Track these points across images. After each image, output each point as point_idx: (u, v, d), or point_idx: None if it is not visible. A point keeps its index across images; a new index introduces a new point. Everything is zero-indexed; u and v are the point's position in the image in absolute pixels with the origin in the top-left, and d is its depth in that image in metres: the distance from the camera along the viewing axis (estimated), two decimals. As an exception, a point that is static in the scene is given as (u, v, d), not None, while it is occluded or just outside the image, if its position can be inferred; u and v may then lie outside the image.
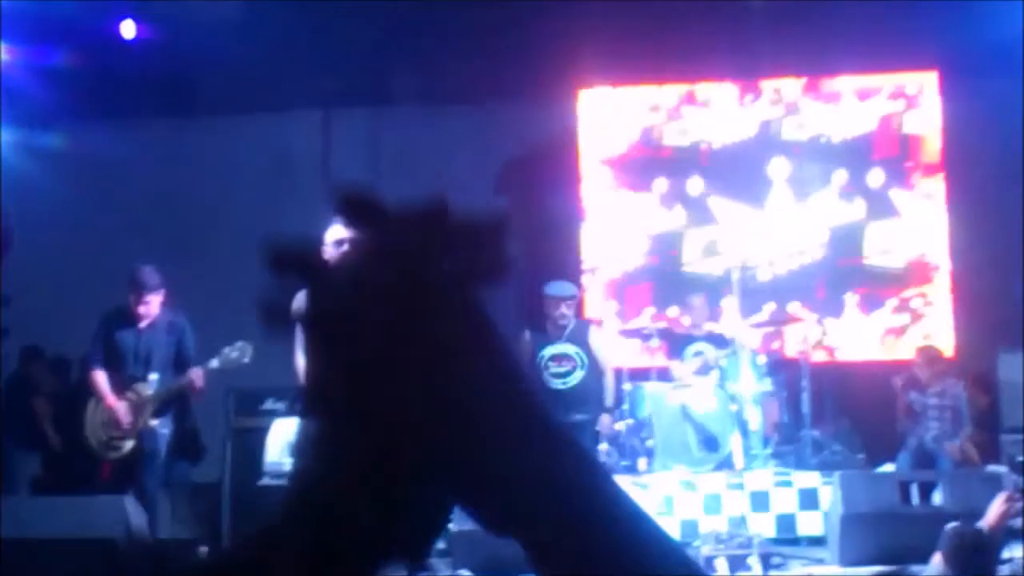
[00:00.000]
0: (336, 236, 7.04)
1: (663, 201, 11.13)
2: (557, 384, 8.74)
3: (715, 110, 11.17)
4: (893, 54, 10.68)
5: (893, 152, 11.03)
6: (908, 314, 10.85)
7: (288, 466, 6.65)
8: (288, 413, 7.68)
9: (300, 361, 6.96)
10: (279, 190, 10.81)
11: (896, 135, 11.04)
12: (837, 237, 10.93)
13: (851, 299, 10.90)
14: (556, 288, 9.07)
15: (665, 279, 11.03)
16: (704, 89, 11.23)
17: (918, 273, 10.88)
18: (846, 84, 11.14)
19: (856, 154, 11.03)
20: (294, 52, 9.93)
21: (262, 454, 7.22)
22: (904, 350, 10.51)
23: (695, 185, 11.08)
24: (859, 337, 10.85)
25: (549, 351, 8.82)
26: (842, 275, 10.92)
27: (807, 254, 10.96)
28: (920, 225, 10.92)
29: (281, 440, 6.81)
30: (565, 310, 8.94)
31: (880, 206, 10.91)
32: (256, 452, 7.46)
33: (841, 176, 11.00)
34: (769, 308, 10.56)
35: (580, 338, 8.90)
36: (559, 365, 8.81)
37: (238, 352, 7.49)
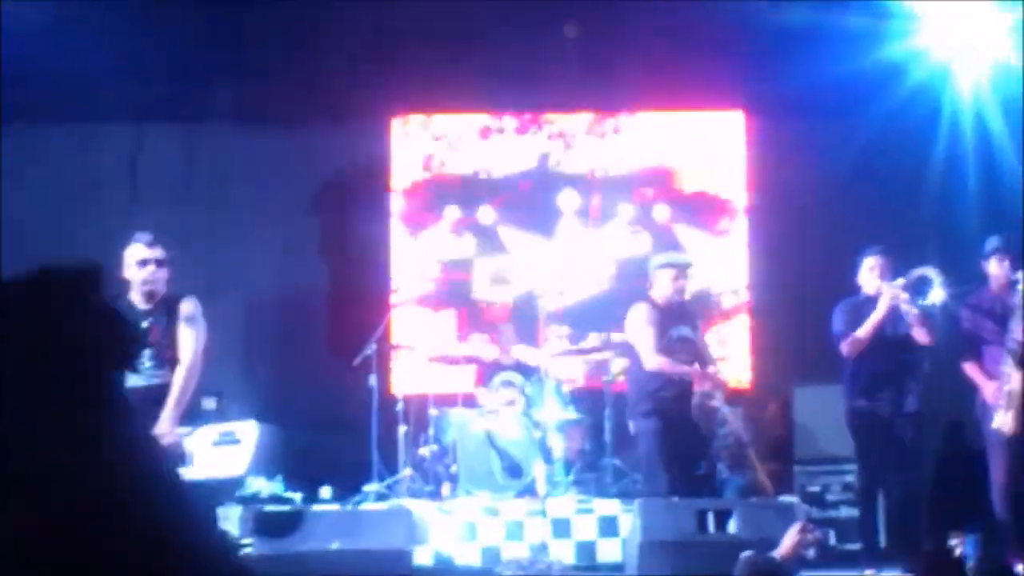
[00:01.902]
0: (139, 256, 6.87)
1: (454, 229, 11.14)
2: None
3: (512, 141, 11.24)
4: (699, 92, 10.96)
5: (685, 188, 11.26)
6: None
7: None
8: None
9: None
10: (86, 205, 10.51)
11: (691, 172, 11.28)
12: (625, 269, 11.10)
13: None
14: (671, 257, 8.49)
15: (461, 307, 11.05)
16: (504, 120, 11.29)
17: (711, 308, 11.13)
18: (645, 119, 11.33)
19: (646, 189, 11.21)
20: (106, 63, 9.67)
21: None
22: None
23: (486, 214, 11.13)
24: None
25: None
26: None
27: (598, 285, 11.10)
28: (713, 261, 11.17)
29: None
30: (684, 282, 8.24)
31: (667, 241, 11.12)
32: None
33: (628, 210, 11.17)
34: (572, 337, 10.68)
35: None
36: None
37: None
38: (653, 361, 7.92)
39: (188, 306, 6.82)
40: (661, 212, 11.19)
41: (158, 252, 6.85)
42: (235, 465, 6.68)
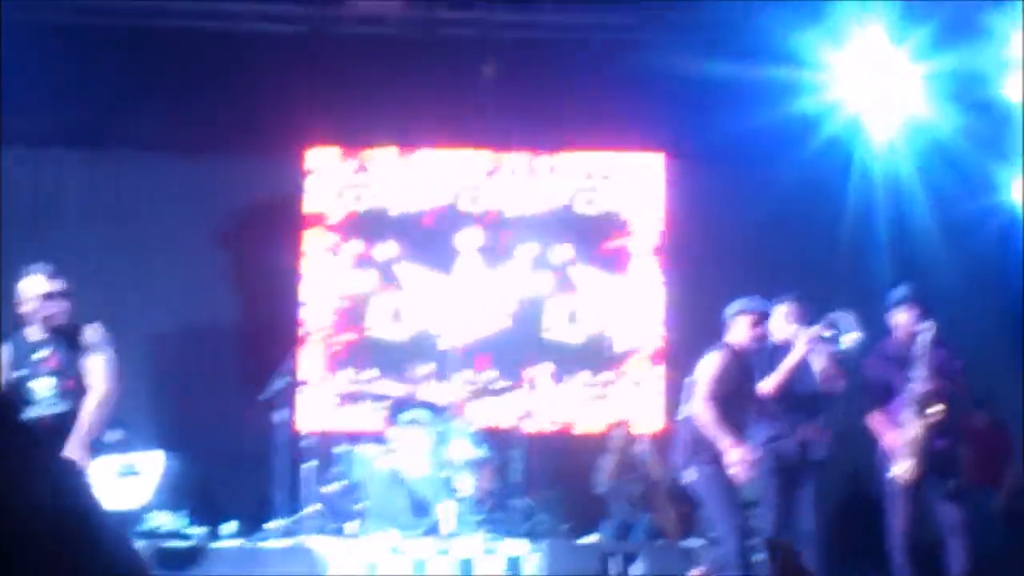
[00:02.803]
0: (40, 289, 6.70)
1: (356, 264, 11.08)
2: None
3: (415, 175, 11.19)
4: (621, 134, 11.02)
5: (595, 230, 11.29)
6: (610, 387, 11.11)
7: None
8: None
9: None
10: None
11: (603, 213, 11.32)
12: (526, 309, 11.10)
13: (548, 370, 11.07)
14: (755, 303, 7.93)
15: (359, 342, 10.95)
16: (413, 154, 11.24)
17: (629, 351, 11.16)
18: (554, 160, 11.34)
19: (549, 229, 11.24)
20: (11, 86, 9.51)
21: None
22: (606, 422, 10.77)
23: (385, 250, 11.07)
24: (567, 408, 11.04)
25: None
26: (544, 346, 11.09)
27: (497, 324, 11.07)
28: (621, 303, 11.20)
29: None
30: (762, 330, 7.79)
31: (566, 283, 11.15)
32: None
33: (531, 250, 11.17)
34: (477, 376, 10.66)
35: None
36: None
37: None
38: (704, 409, 7.33)
39: (92, 333, 6.66)
40: (561, 253, 11.19)
41: (59, 285, 6.70)
42: (138, 497, 6.58)
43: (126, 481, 6.56)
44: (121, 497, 6.53)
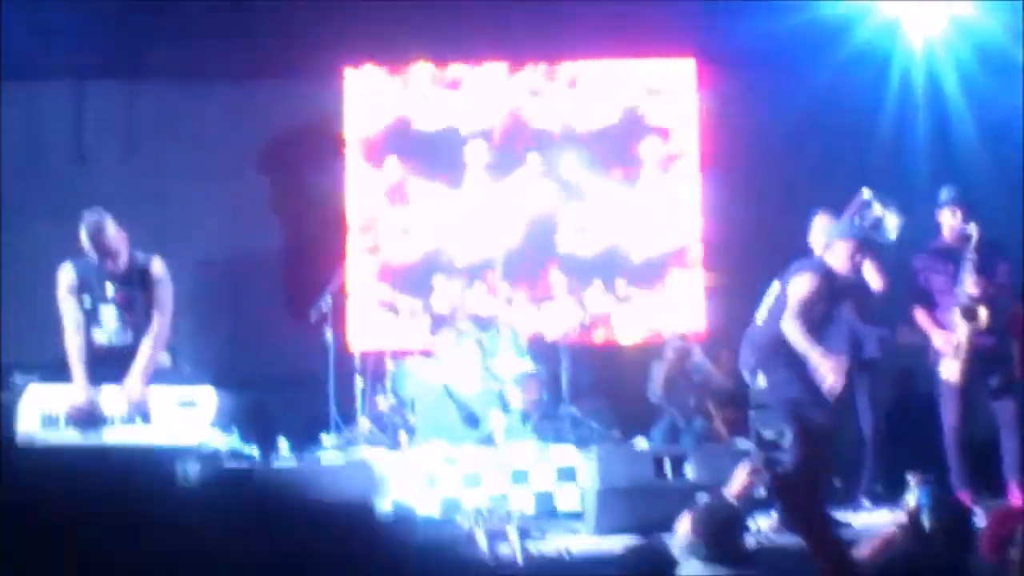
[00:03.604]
0: (96, 235, 6.80)
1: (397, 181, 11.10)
2: None
3: (427, 93, 11.18)
4: (648, 41, 10.95)
5: (630, 140, 11.26)
6: (660, 296, 11.16)
7: (40, 437, 6.46)
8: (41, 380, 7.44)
9: (71, 338, 6.74)
10: (29, 164, 10.41)
11: (636, 123, 11.28)
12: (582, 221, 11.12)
13: (620, 282, 11.11)
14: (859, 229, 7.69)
15: (424, 261, 11.01)
16: (421, 71, 11.22)
17: (667, 258, 11.19)
18: (581, 69, 11.29)
19: (575, 141, 11.21)
20: (45, 19, 9.55)
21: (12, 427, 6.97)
22: (657, 331, 10.85)
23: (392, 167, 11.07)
24: (615, 318, 11.11)
25: None
26: (597, 258, 11.12)
27: (552, 238, 11.09)
28: (667, 211, 11.21)
29: (34, 410, 6.60)
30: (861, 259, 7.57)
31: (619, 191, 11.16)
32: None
33: (553, 161, 11.16)
34: (536, 288, 10.74)
35: None
36: None
37: None
38: (792, 327, 7.25)
39: (158, 267, 6.87)
40: (582, 163, 11.17)
41: (112, 232, 6.82)
42: (193, 431, 6.74)
43: (183, 413, 6.71)
44: (178, 430, 6.68)
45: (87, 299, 6.76)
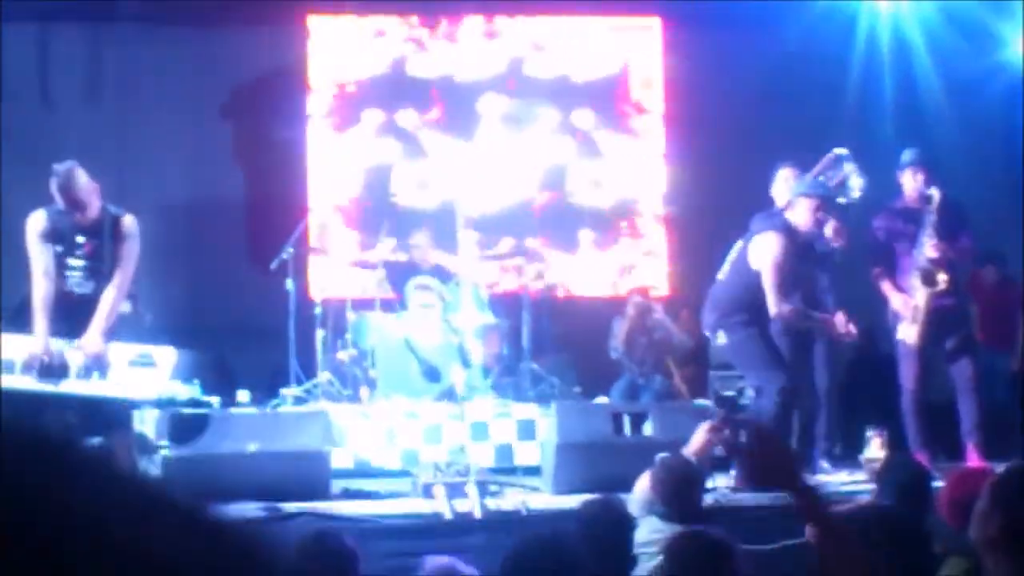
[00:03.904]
0: (66, 186, 6.74)
1: (377, 133, 11.05)
2: None
3: (434, 42, 11.14)
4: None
5: (609, 94, 11.25)
6: (622, 253, 11.17)
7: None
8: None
9: (38, 284, 6.70)
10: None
11: (615, 79, 11.26)
12: (546, 175, 11.11)
13: (575, 235, 11.13)
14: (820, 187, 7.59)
15: (379, 212, 10.97)
16: (427, 21, 11.18)
17: (629, 214, 11.20)
18: (566, 23, 11.26)
19: (570, 94, 11.19)
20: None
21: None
22: (619, 287, 10.87)
23: (407, 118, 11.05)
24: (576, 273, 11.12)
25: None
26: (556, 212, 11.12)
27: (517, 191, 11.10)
28: (631, 167, 11.21)
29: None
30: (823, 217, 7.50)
31: (588, 147, 11.15)
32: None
33: (553, 115, 11.15)
34: (492, 242, 10.73)
35: None
36: None
37: None
38: (780, 308, 7.18)
39: (129, 222, 6.84)
40: (583, 118, 11.17)
41: (83, 182, 6.77)
42: (149, 388, 6.73)
43: (139, 371, 6.69)
44: (133, 385, 6.68)
45: (57, 247, 6.72)
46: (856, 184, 7.85)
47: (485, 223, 10.75)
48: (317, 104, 10.99)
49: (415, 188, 11.05)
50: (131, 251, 6.85)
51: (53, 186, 6.76)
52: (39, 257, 6.73)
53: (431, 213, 10.75)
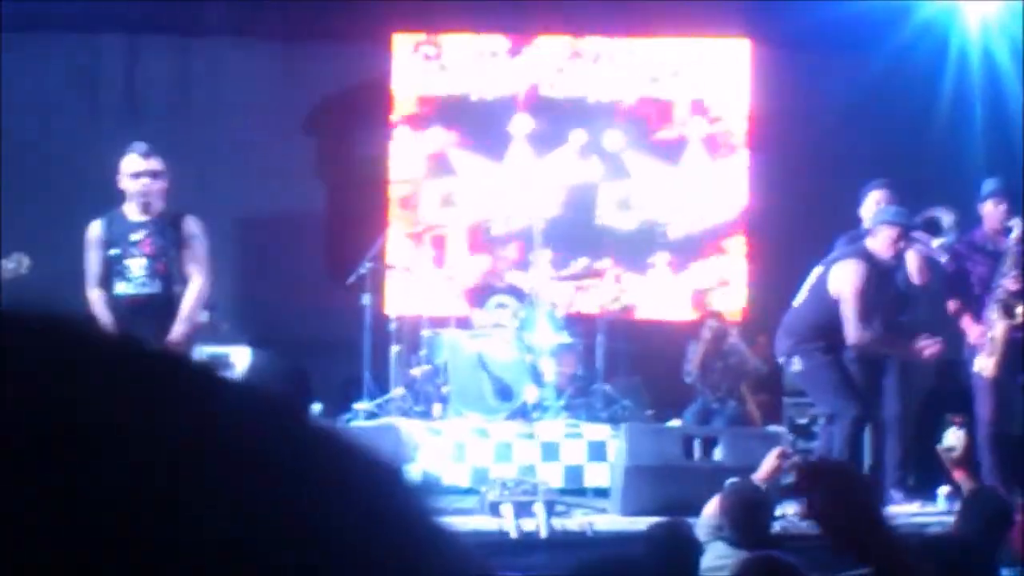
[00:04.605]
0: (135, 167, 6.82)
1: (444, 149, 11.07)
2: None
3: (475, 62, 11.13)
4: (703, 19, 10.87)
5: (696, 114, 11.19)
6: (699, 276, 11.11)
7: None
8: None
9: (92, 292, 6.76)
10: (83, 116, 10.46)
11: (686, 101, 11.20)
12: (623, 197, 11.06)
13: (651, 258, 11.08)
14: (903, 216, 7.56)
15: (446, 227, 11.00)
16: (469, 40, 11.18)
17: (708, 237, 11.14)
18: (616, 45, 11.22)
19: (618, 115, 11.14)
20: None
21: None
22: (695, 311, 10.81)
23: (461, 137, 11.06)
24: (652, 295, 11.06)
25: None
26: (633, 234, 11.07)
27: (592, 211, 11.06)
28: (711, 189, 11.15)
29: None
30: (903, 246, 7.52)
31: (666, 168, 11.11)
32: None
33: (631, 135, 11.10)
34: (567, 262, 10.72)
35: None
36: None
37: (15, 263, 7.24)
38: (860, 335, 7.20)
39: (193, 223, 6.83)
40: (620, 139, 11.10)
41: (154, 163, 6.81)
42: None
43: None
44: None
45: (114, 251, 6.72)
46: (947, 222, 7.78)
47: (561, 243, 10.74)
48: (398, 120, 11.04)
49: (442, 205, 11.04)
50: (201, 251, 6.78)
51: (126, 162, 6.77)
52: (92, 265, 6.75)
53: (518, 234, 10.72)
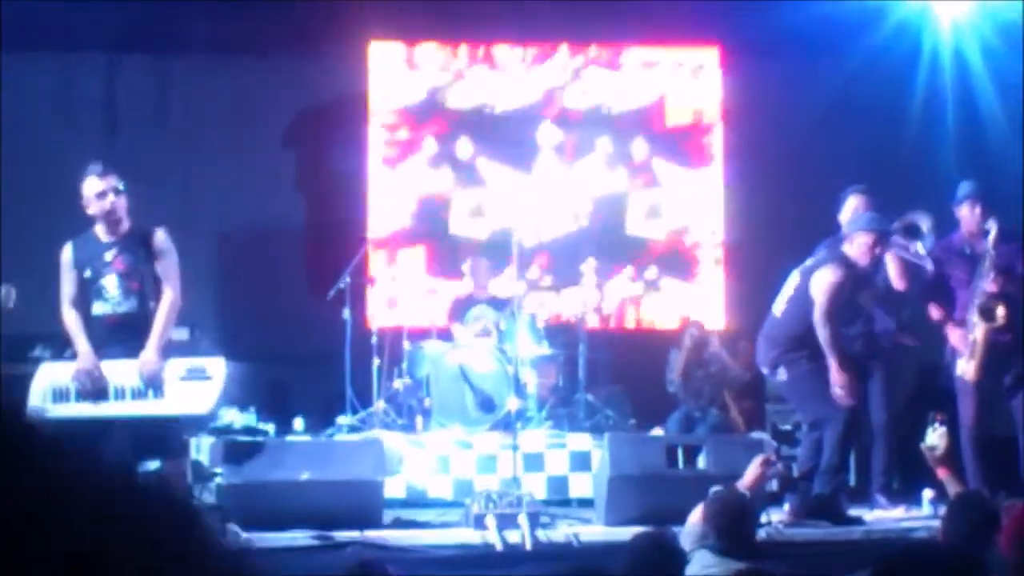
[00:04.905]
0: (95, 188, 6.77)
1: (431, 163, 11.07)
2: None
3: (491, 73, 11.14)
4: (676, 26, 10.88)
5: (664, 125, 11.20)
6: (679, 283, 11.11)
7: (51, 411, 6.44)
8: (54, 358, 7.41)
9: (67, 313, 6.72)
10: (61, 134, 10.41)
11: (672, 109, 11.21)
12: (601, 206, 11.08)
13: (629, 266, 11.08)
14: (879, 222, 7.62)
15: (436, 242, 11.00)
16: (484, 50, 11.18)
17: (686, 244, 11.14)
18: (627, 55, 11.24)
19: (627, 125, 11.15)
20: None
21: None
22: (670, 320, 10.81)
23: (464, 147, 11.06)
24: (632, 304, 11.06)
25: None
26: (609, 243, 11.07)
27: (574, 221, 11.07)
28: (688, 199, 11.16)
29: (45, 385, 6.55)
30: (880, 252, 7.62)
31: (646, 178, 11.12)
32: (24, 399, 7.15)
33: (606, 145, 11.12)
34: (547, 272, 10.72)
35: None
36: None
37: (2, 294, 7.20)
38: (823, 327, 7.26)
39: (161, 237, 6.77)
40: (640, 148, 11.14)
41: (112, 180, 6.76)
42: (203, 402, 6.64)
43: (191, 385, 6.61)
44: (186, 400, 6.60)
45: (87, 270, 6.70)
46: (924, 226, 7.81)
47: (540, 252, 10.75)
48: (377, 132, 11.02)
49: (468, 217, 11.04)
50: (171, 265, 6.74)
51: (87, 185, 6.74)
52: (65, 286, 6.73)
53: (482, 243, 10.75)
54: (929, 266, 7.87)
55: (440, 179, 11.04)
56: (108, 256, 6.70)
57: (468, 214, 11.03)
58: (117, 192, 6.73)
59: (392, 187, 10.99)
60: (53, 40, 10.32)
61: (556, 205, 11.07)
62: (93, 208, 6.75)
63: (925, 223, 7.86)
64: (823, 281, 7.31)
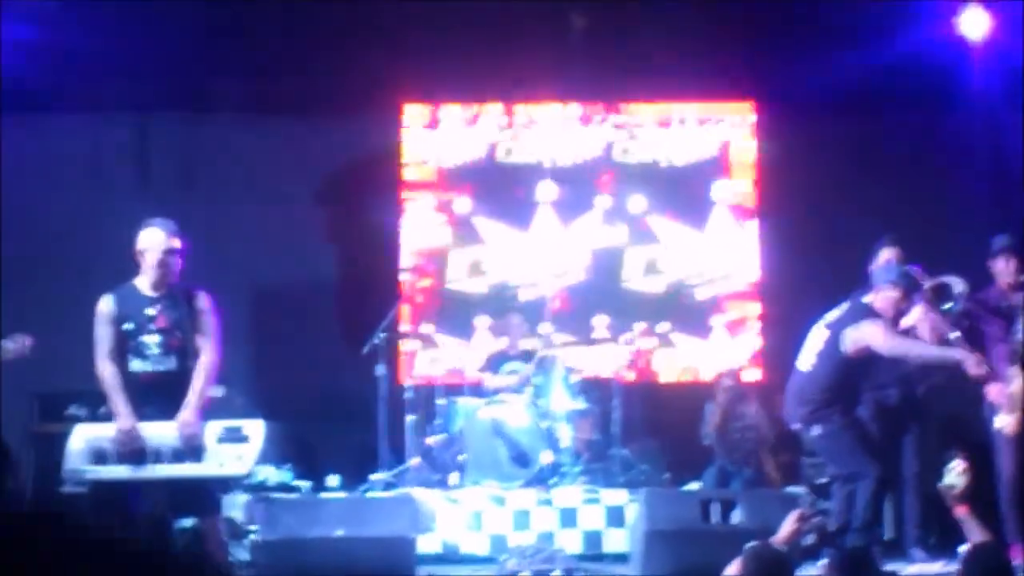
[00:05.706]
0: (161, 244, 6.73)
1: (452, 219, 11.14)
2: None
3: (491, 130, 11.21)
4: (708, 82, 10.93)
5: (701, 177, 11.23)
6: (715, 338, 11.10)
7: (89, 472, 6.43)
8: (91, 418, 7.44)
9: (104, 368, 6.68)
10: (94, 194, 10.54)
11: (707, 162, 11.25)
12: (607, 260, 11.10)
13: (665, 321, 11.07)
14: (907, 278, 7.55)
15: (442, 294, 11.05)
16: (490, 108, 11.26)
17: (721, 299, 11.14)
18: (644, 111, 11.29)
19: (660, 179, 11.19)
20: (110, 51, 9.67)
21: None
22: (710, 372, 10.78)
23: (462, 204, 11.13)
24: (668, 358, 11.05)
25: None
26: (645, 298, 11.08)
27: (604, 276, 11.09)
28: (724, 252, 11.16)
29: (81, 446, 6.53)
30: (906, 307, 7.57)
31: (642, 231, 11.15)
32: (60, 458, 7.14)
33: (641, 201, 11.15)
34: (582, 328, 10.73)
35: None
36: None
37: (16, 344, 7.21)
38: (897, 342, 7.28)
39: (202, 298, 6.75)
40: (637, 203, 11.15)
41: (178, 242, 6.74)
42: (241, 464, 6.58)
43: (231, 447, 6.56)
44: (225, 463, 6.54)
45: (128, 325, 6.64)
46: (957, 289, 7.75)
47: (575, 308, 10.76)
48: (409, 189, 11.12)
49: (472, 273, 11.09)
50: (211, 324, 6.69)
51: (145, 237, 6.73)
52: (103, 340, 6.60)
53: (489, 298, 10.77)
54: (950, 335, 7.77)
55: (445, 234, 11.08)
56: (150, 311, 6.65)
57: (467, 270, 11.04)
58: (180, 254, 6.71)
59: (416, 242, 11.05)
60: (89, 101, 10.46)
61: (580, 261, 11.08)
62: (149, 259, 6.69)
63: (958, 286, 7.80)
64: (870, 334, 7.21)
